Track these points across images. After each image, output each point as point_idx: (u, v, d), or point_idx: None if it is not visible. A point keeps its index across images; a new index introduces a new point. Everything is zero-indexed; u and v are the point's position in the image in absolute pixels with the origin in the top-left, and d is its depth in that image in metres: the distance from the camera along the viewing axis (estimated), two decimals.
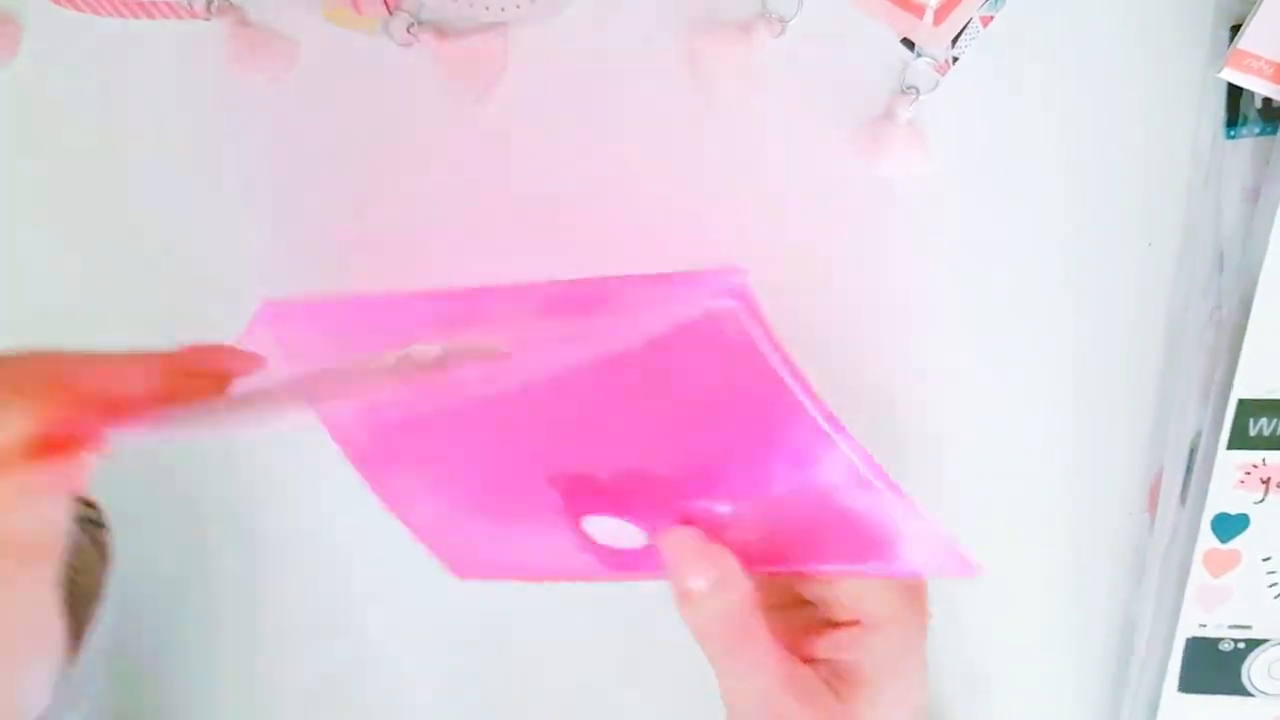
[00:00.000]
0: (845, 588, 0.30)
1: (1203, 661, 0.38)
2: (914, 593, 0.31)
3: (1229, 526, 0.36)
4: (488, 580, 0.38)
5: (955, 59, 0.34)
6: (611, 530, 0.34)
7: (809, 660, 0.30)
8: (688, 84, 0.35)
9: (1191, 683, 0.38)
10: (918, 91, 0.35)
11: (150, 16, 0.36)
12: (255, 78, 0.37)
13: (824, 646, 0.30)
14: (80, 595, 0.34)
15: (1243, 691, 0.38)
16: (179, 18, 0.36)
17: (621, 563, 0.34)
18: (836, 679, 0.30)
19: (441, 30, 0.35)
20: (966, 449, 0.39)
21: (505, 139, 0.37)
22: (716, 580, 0.28)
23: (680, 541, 0.29)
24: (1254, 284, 0.33)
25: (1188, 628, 0.38)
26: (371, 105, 0.37)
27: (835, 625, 0.31)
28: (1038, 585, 0.41)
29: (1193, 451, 0.36)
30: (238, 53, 0.36)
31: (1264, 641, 0.38)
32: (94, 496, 0.36)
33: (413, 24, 0.35)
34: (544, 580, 0.39)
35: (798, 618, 0.32)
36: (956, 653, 0.41)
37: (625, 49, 0.36)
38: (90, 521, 0.37)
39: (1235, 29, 0.32)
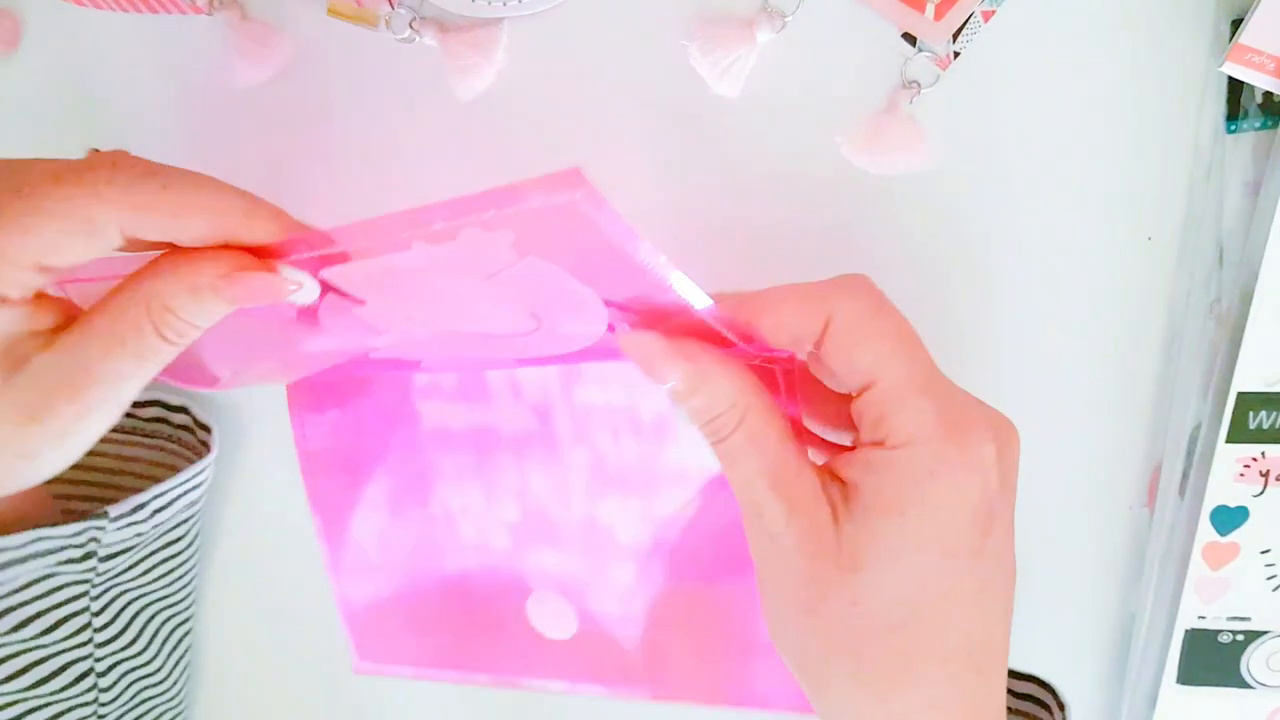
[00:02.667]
0: (864, 410, 0.26)
1: (1202, 653, 0.38)
2: (959, 421, 0.26)
3: (1228, 519, 0.36)
4: (386, 670, 0.40)
5: (956, 53, 0.34)
6: (551, 614, 0.35)
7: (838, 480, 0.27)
8: (688, 79, 0.35)
9: (1190, 675, 0.38)
10: (919, 86, 0.35)
11: (152, 11, 0.36)
12: (256, 72, 0.37)
13: (842, 463, 0.27)
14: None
15: (1241, 683, 0.39)
16: (180, 12, 0.36)
17: (548, 659, 0.36)
18: (841, 501, 0.26)
19: (443, 24, 0.35)
20: None
21: (506, 134, 0.37)
22: (692, 375, 0.25)
23: (640, 344, 0.25)
24: (1254, 278, 0.33)
25: (1187, 620, 0.38)
26: (372, 99, 0.37)
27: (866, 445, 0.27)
28: (1037, 578, 0.41)
29: (1192, 444, 0.37)
30: (239, 47, 0.36)
31: (1263, 633, 0.38)
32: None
33: (415, 18, 0.35)
34: (459, 675, 0.40)
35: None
36: None
37: (626, 43, 0.36)
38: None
39: (1236, 23, 0.32)
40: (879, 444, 0.26)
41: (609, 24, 0.35)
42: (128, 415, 0.38)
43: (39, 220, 0.24)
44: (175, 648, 0.43)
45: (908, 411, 0.26)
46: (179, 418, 0.41)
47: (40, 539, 0.34)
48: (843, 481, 0.27)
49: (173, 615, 0.42)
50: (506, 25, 0.36)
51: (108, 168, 0.25)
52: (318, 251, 0.25)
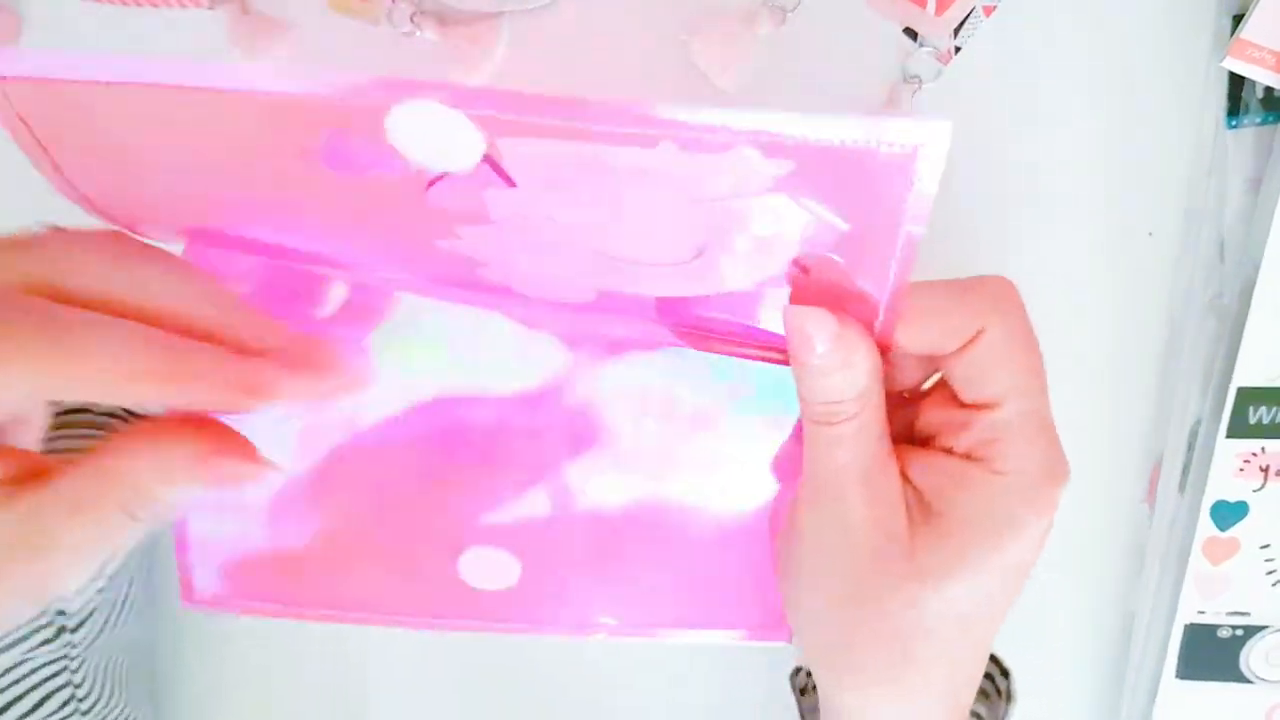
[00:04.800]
0: (982, 423, 0.26)
1: (1201, 648, 0.38)
2: (1049, 467, 0.26)
3: (1228, 514, 0.36)
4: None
5: (958, 48, 0.34)
6: (487, 564, 0.33)
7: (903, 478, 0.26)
8: (689, 73, 0.35)
9: (1190, 670, 0.39)
10: (920, 81, 0.35)
11: (152, 4, 0.36)
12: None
13: (921, 462, 0.26)
14: None
15: (1241, 678, 0.39)
16: (181, 6, 0.36)
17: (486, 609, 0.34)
18: (919, 506, 0.26)
19: (443, 19, 0.35)
20: None
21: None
22: (842, 354, 0.24)
23: (806, 313, 0.24)
24: (1255, 273, 0.33)
25: (1186, 615, 0.38)
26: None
27: (949, 453, 0.26)
28: (1038, 573, 0.41)
29: (1192, 439, 0.37)
30: (239, 40, 0.36)
31: (1262, 628, 0.38)
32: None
33: (415, 12, 0.35)
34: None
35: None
36: None
37: (626, 38, 0.36)
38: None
39: (1237, 19, 0.32)
40: (980, 462, 0.26)
41: (609, 18, 0.35)
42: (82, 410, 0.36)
43: None
44: (145, 685, 0.43)
45: (1025, 445, 0.26)
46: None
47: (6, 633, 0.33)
48: (915, 486, 0.26)
49: (140, 655, 0.42)
50: (507, 19, 0.36)
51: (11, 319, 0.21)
52: (508, 115, 0.21)
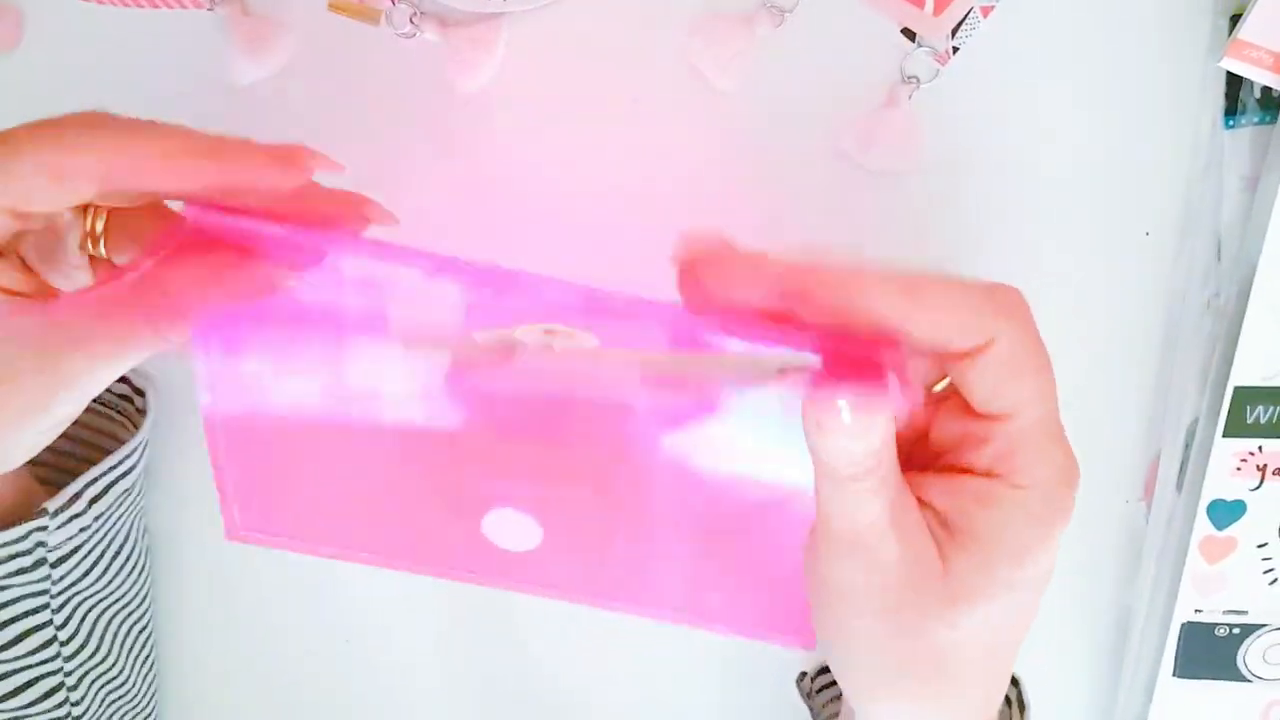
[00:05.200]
0: (999, 434, 0.26)
1: (1198, 647, 0.38)
2: (1061, 478, 0.26)
3: (1225, 513, 0.36)
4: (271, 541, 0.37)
5: (955, 49, 0.34)
6: (509, 525, 0.33)
7: (921, 503, 0.26)
8: (688, 74, 0.35)
9: (1187, 668, 0.39)
10: (918, 81, 0.35)
11: (153, 6, 0.36)
12: (256, 68, 0.37)
13: (941, 487, 0.26)
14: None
15: (1238, 677, 0.39)
16: (181, 7, 0.36)
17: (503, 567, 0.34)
18: (944, 529, 0.26)
19: (443, 20, 0.36)
20: None
21: (506, 128, 0.37)
22: (866, 419, 0.24)
23: (829, 394, 0.24)
24: (1252, 272, 0.33)
25: (1184, 613, 0.38)
26: (373, 95, 0.37)
27: (966, 471, 0.26)
28: None
29: (1190, 438, 0.37)
30: (240, 43, 0.36)
31: (1259, 627, 0.38)
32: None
33: (415, 14, 0.35)
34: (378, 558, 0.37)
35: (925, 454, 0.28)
36: None
37: (626, 39, 0.36)
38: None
39: (1235, 19, 0.32)
40: (1000, 477, 0.26)
41: (609, 19, 0.35)
42: None
43: (10, 165, 0.25)
44: (140, 653, 0.43)
45: (1042, 455, 0.26)
46: (118, 386, 0.40)
47: None
48: (938, 510, 0.26)
49: (132, 618, 0.42)
50: (507, 20, 0.36)
51: (82, 123, 0.26)
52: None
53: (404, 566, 0.36)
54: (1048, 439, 0.26)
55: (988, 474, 0.26)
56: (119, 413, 0.40)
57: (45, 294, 0.29)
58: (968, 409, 0.26)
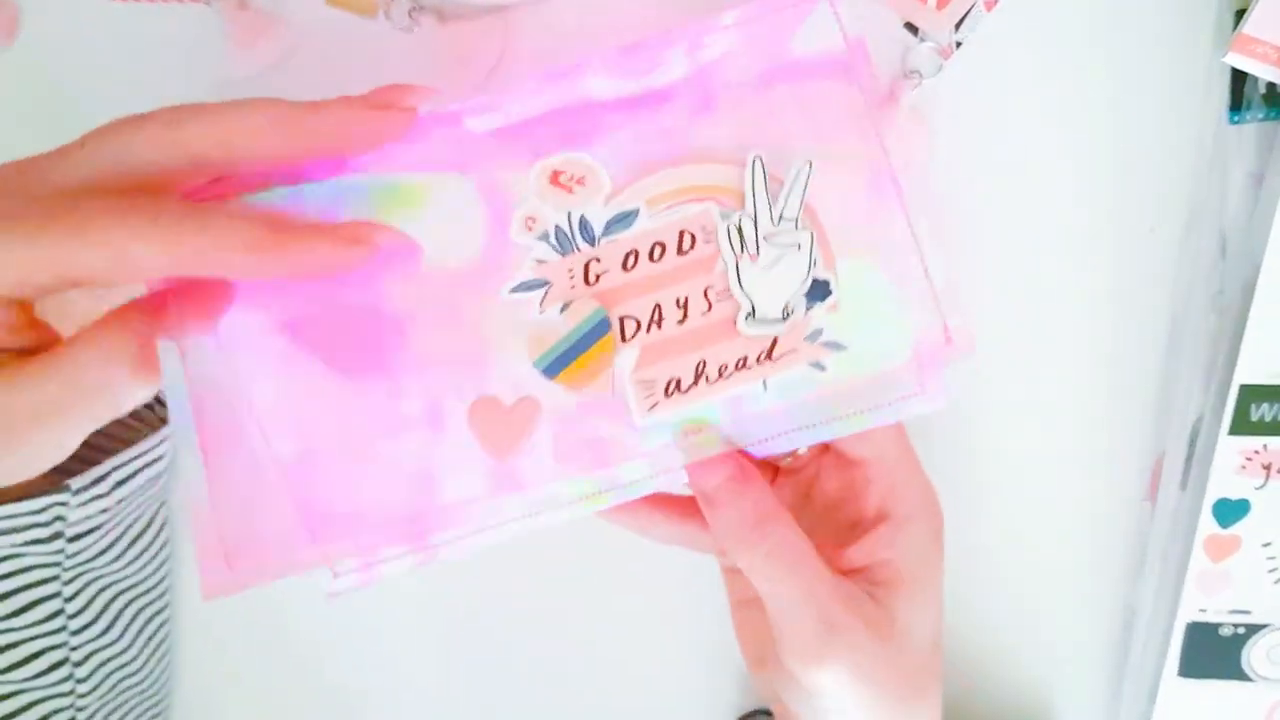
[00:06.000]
0: (875, 476, 0.30)
1: (1203, 646, 0.38)
2: (929, 494, 0.31)
3: (1230, 512, 0.36)
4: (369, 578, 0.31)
5: (959, 43, 0.34)
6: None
7: (845, 573, 0.30)
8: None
9: (1192, 667, 0.38)
10: (921, 76, 0.34)
11: (150, 0, 0.36)
12: (254, 62, 0.36)
13: (858, 553, 0.30)
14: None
15: (1242, 676, 0.38)
16: (179, 1, 0.36)
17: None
18: (873, 585, 0.30)
19: (442, 14, 0.35)
20: (967, 435, 0.39)
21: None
22: (730, 477, 0.28)
23: (707, 469, 0.29)
24: (1257, 269, 0.33)
25: (1188, 613, 0.38)
26: (371, 89, 0.37)
27: (863, 530, 0.30)
28: (1039, 570, 0.41)
29: (1194, 436, 0.36)
30: (237, 36, 0.36)
31: (1264, 626, 0.38)
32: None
33: (414, 8, 0.35)
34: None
35: (827, 532, 0.31)
36: (959, 637, 0.41)
37: (626, 30, 0.35)
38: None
39: (1240, 14, 0.32)
40: (890, 519, 0.30)
41: (607, 13, 0.35)
42: None
43: (78, 245, 0.24)
44: (153, 638, 0.43)
45: (913, 483, 0.31)
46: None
47: (2, 516, 0.34)
48: (860, 569, 0.30)
49: (148, 606, 0.42)
50: (505, 14, 0.35)
51: (151, 209, 0.24)
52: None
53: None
54: (912, 470, 0.31)
55: (879, 518, 0.30)
56: (158, 401, 0.41)
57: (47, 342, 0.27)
58: (844, 460, 0.31)
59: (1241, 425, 0.35)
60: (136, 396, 0.27)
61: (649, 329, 0.28)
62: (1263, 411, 0.35)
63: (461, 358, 0.28)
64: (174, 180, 0.26)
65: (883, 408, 0.28)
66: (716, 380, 0.28)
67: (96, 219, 0.24)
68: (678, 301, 0.28)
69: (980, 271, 0.37)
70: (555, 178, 0.28)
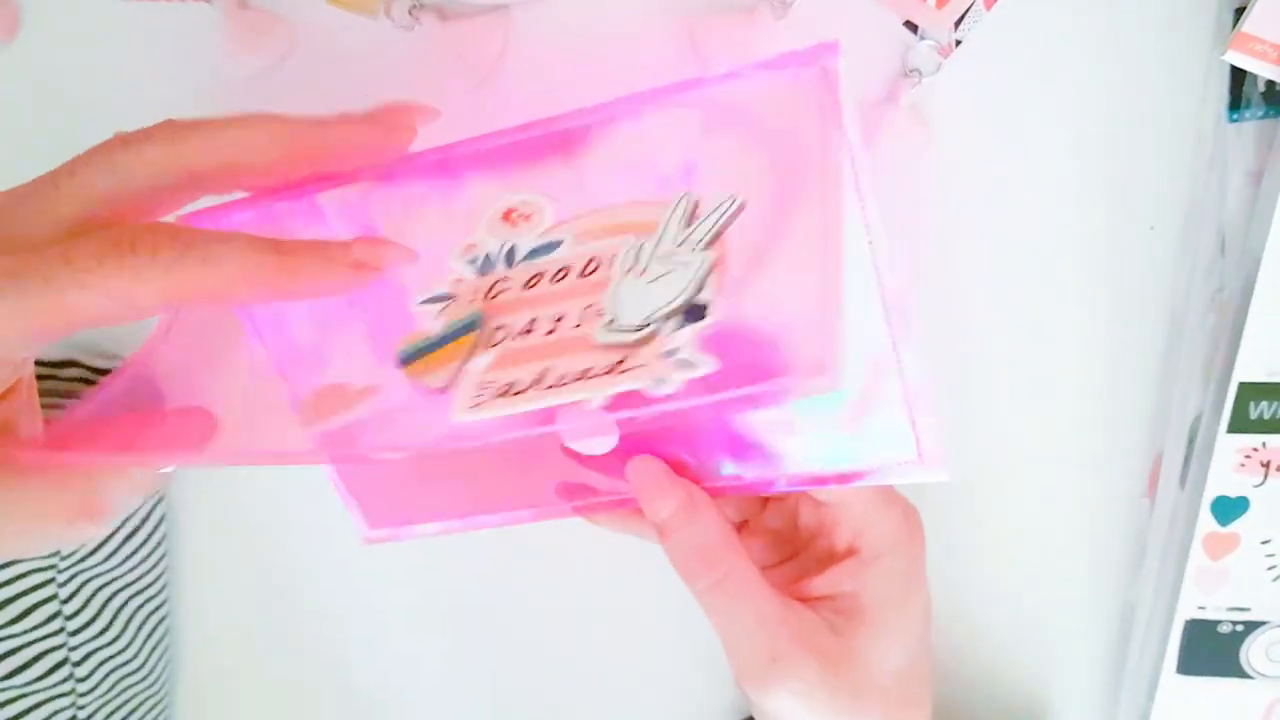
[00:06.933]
0: (843, 516, 0.31)
1: (1201, 644, 0.38)
2: (911, 524, 0.31)
3: (1228, 509, 0.36)
4: (400, 533, 0.35)
5: (958, 42, 0.34)
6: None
7: (808, 600, 0.30)
8: (690, 66, 0.35)
9: (1190, 664, 0.38)
10: (920, 74, 0.34)
11: None
12: (254, 61, 0.36)
13: (822, 583, 0.30)
14: None
15: (1241, 673, 0.39)
16: (180, 0, 0.36)
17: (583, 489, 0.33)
18: (836, 615, 0.30)
19: (443, 13, 0.35)
20: (967, 433, 0.39)
21: (506, 123, 0.37)
22: (680, 507, 0.29)
23: (644, 471, 0.29)
24: (1256, 267, 0.33)
25: (1187, 610, 0.38)
26: (372, 89, 0.37)
27: (834, 562, 0.31)
28: (1038, 567, 0.41)
29: (1193, 434, 0.37)
30: (237, 35, 0.36)
31: (1262, 624, 0.38)
32: None
33: (414, 6, 0.35)
34: (476, 522, 0.35)
35: (795, 564, 0.32)
36: (959, 635, 0.42)
37: (627, 31, 0.35)
38: None
39: (1239, 12, 0.32)
40: (858, 554, 0.30)
41: (611, 11, 0.35)
42: (46, 376, 0.37)
43: (83, 296, 0.23)
44: (151, 635, 0.43)
45: (884, 518, 0.30)
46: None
47: None
48: (824, 598, 0.30)
49: (146, 602, 0.42)
50: (506, 13, 0.35)
51: (149, 249, 0.23)
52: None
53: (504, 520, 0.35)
54: (884, 503, 0.31)
55: (849, 553, 0.30)
56: None
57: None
58: (813, 500, 0.31)
59: (1240, 423, 0.35)
60: (80, 538, 0.26)
61: (516, 337, 0.27)
62: (1261, 409, 0.35)
63: (352, 351, 0.29)
64: (171, 199, 0.25)
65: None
66: (551, 387, 0.27)
67: (95, 269, 0.23)
68: (555, 316, 0.27)
69: (978, 269, 0.37)
70: (508, 214, 0.29)
